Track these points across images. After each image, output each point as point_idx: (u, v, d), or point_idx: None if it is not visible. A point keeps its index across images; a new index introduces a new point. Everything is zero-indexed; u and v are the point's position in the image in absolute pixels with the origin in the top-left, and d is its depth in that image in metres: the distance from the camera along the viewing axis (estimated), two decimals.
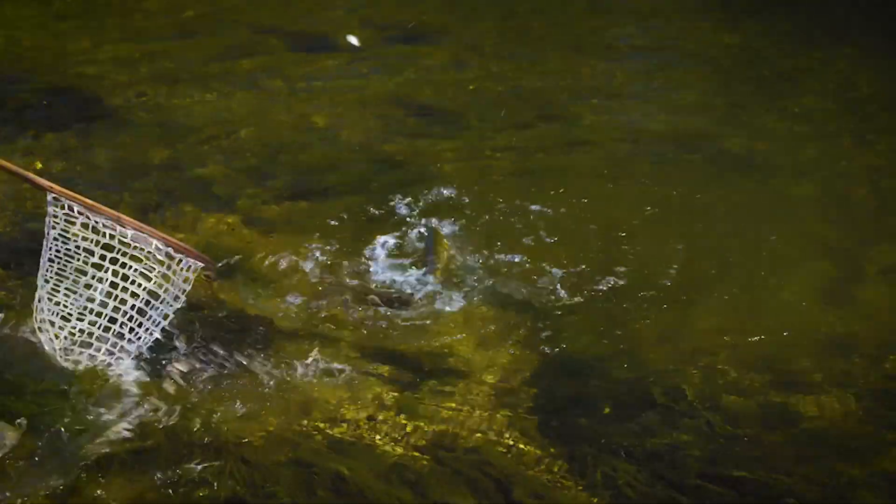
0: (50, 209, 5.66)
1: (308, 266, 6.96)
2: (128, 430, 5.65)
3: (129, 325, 5.85)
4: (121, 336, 5.87)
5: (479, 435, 5.76)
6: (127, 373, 5.94)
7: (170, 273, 5.79)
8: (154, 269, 5.77)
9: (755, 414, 5.91)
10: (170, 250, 5.75)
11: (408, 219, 7.45)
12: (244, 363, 6.11)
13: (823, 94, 9.12)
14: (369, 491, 5.40)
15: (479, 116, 8.85)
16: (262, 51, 9.87)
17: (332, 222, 7.39)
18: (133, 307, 5.83)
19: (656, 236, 7.32)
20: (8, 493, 5.29)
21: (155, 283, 5.80)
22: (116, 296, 5.80)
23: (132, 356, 5.93)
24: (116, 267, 5.75)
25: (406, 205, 7.59)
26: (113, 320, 5.82)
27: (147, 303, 5.83)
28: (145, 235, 5.69)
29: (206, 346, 6.19)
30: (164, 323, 5.91)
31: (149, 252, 5.72)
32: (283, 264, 6.96)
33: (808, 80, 9.36)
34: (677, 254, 7.16)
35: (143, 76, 9.46)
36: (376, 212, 7.52)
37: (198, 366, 6.07)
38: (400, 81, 9.40)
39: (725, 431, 5.78)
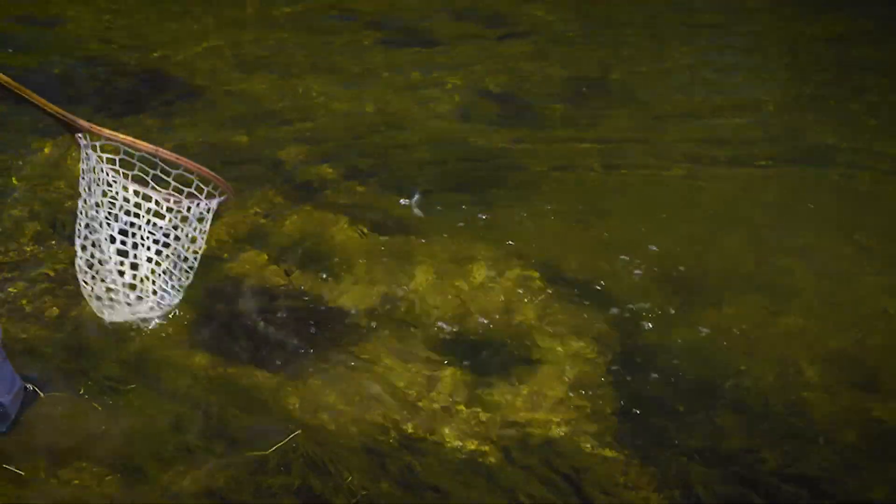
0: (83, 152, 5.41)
1: (385, 259, 6.99)
2: (194, 409, 5.68)
3: (170, 273, 5.64)
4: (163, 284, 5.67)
5: (551, 430, 5.74)
6: (193, 350, 5.97)
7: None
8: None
9: (832, 414, 5.84)
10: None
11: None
12: (318, 349, 6.14)
13: None
14: (440, 483, 5.40)
15: (564, 109, 8.83)
16: (351, 40, 9.91)
17: (418, 212, 7.42)
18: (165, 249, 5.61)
19: (740, 231, 7.27)
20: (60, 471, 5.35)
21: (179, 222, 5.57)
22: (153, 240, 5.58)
23: (173, 305, 5.82)
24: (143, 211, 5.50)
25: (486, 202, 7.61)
26: (151, 269, 5.60)
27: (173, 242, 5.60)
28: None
29: (281, 330, 6.24)
30: (195, 264, 5.70)
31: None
32: (361, 253, 6.99)
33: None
34: (756, 249, 7.10)
35: (230, 62, 9.53)
36: (463, 205, 7.54)
37: (270, 349, 6.11)
38: (486, 74, 9.40)
39: (801, 432, 5.72)
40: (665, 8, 10.94)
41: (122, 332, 6.05)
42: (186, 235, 5.62)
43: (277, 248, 7.02)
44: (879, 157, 8.17)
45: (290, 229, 7.23)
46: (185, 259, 5.68)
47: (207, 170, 5.47)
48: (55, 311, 6.28)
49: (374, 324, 6.40)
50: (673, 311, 6.52)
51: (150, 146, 5.39)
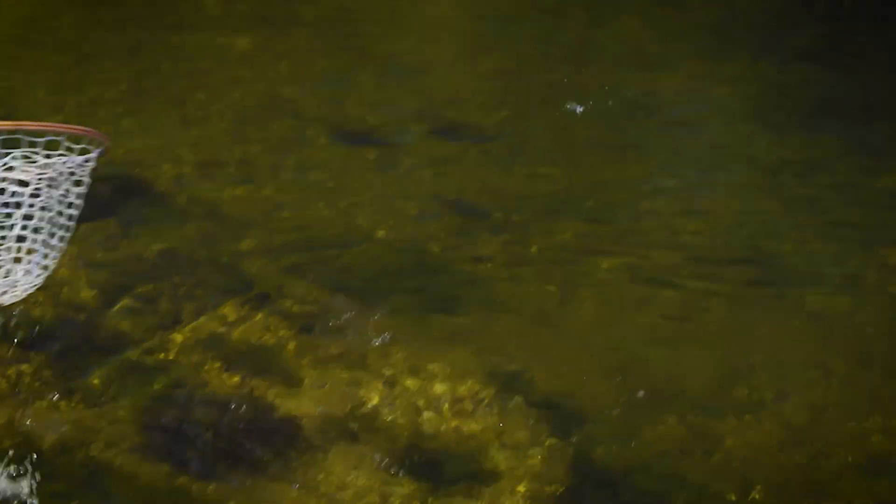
0: None
1: (336, 367, 6.96)
2: None
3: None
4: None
5: None
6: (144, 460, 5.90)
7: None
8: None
9: None
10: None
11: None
12: (270, 461, 6.09)
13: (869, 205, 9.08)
14: None
15: (524, 217, 8.84)
16: (307, 142, 9.91)
17: (372, 326, 7.40)
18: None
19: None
20: None
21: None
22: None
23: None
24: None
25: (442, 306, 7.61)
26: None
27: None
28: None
29: (233, 441, 6.19)
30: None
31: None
32: (316, 362, 6.96)
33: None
34: (720, 367, 7.12)
35: (188, 162, 9.52)
36: (417, 312, 7.53)
37: (221, 460, 6.06)
38: (445, 178, 9.40)
39: None
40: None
41: (71, 442, 5.99)
42: (60, 199, 5.44)
43: (232, 355, 6.98)
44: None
45: (244, 336, 7.20)
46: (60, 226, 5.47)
47: (76, 126, 5.29)
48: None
49: (326, 435, 6.36)
50: (630, 427, 6.52)
51: (9, 123, 5.12)
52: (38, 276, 5.51)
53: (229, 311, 7.45)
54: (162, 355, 6.34)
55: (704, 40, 11.66)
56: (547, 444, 6.39)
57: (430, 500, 5.97)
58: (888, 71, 11.05)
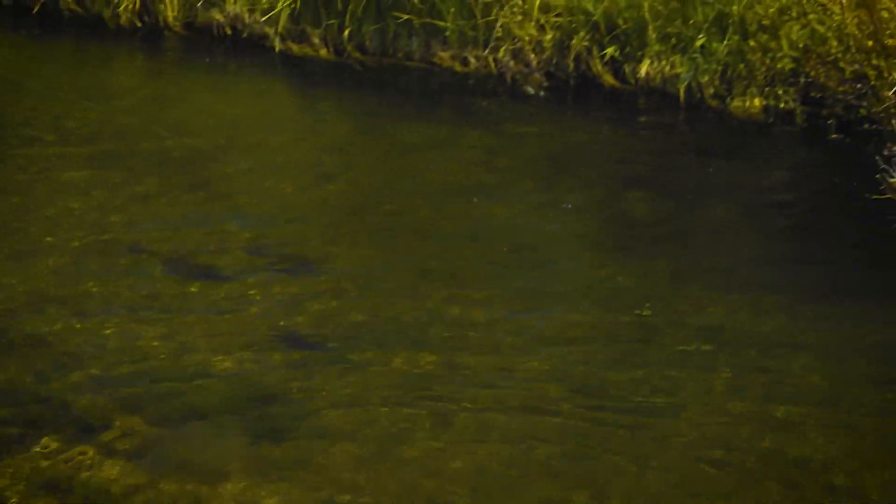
0: None
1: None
2: None
3: None
4: None
5: None
6: None
7: None
8: None
9: None
10: None
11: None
12: None
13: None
14: None
15: (360, 350, 8.84)
16: (142, 274, 9.84)
17: (208, 459, 7.32)
18: None
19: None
20: None
21: None
22: None
23: None
24: None
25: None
26: None
27: None
28: None
29: None
30: None
31: None
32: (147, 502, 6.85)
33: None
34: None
35: (19, 296, 9.39)
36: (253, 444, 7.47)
37: None
38: (281, 310, 9.38)
39: None
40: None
41: None
42: None
43: (60, 490, 6.85)
44: None
45: (71, 472, 7.07)
46: None
47: None
48: None
49: None
50: None
51: None
52: None
53: (55, 444, 7.33)
54: None
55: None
56: None
57: None
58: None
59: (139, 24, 14.52)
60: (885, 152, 10.61)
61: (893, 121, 10.54)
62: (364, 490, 7.11)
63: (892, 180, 9.92)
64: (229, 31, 14.38)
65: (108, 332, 8.94)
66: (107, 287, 9.60)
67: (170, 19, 14.45)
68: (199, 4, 14.46)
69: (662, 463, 7.58)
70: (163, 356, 8.66)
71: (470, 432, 7.89)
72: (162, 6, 14.46)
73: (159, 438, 7.54)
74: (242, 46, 14.26)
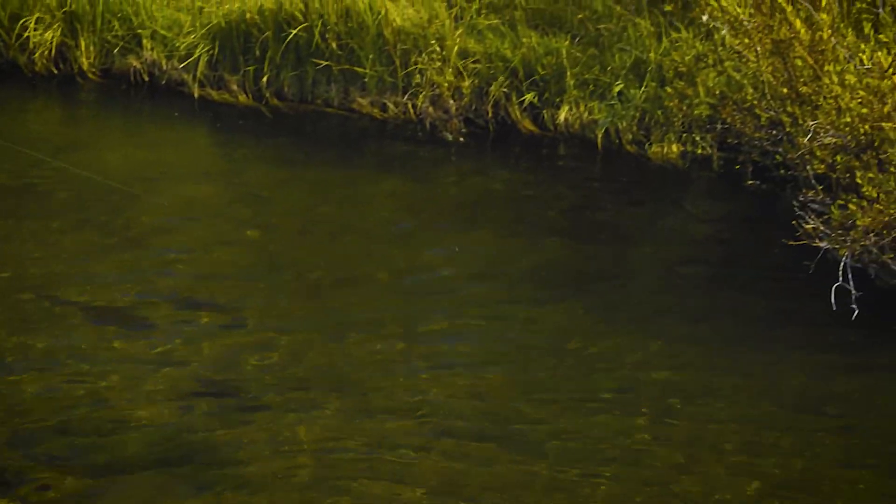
0: None
1: None
2: None
3: None
4: None
5: None
6: None
7: None
8: None
9: None
10: None
11: None
12: None
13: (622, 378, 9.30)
14: None
15: (282, 398, 8.80)
16: (60, 325, 9.73)
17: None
18: None
19: None
20: None
21: None
22: None
23: None
24: None
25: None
26: None
27: None
28: None
29: None
30: None
31: None
32: None
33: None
34: None
35: None
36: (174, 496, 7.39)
37: None
38: (201, 362, 9.31)
39: None
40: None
41: None
42: None
43: None
44: None
45: None
46: None
47: None
48: None
49: None
50: None
51: None
52: None
53: None
54: None
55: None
56: None
57: None
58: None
59: (55, 71, 14.35)
60: (801, 198, 10.74)
61: (808, 167, 10.64)
62: None
63: (808, 226, 10.02)
64: (147, 78, 14.28)
65: (26, 385, 8.82)
66: (24, 339, 9.49)
67: (85, 66, 14.32)
68: (115, 51, 14.35)
69: None
70: (82, 408, 8.57)
71: (393, 477, 7.88)
72: (78, 53, 14.32)
73: (78, 492, 7.46)
74: (160, 93, 14.17)
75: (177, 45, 14.15)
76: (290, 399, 8.80)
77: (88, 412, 8.52)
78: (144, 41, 14.22)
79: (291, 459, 8.04)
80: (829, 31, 10.49)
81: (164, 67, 14.23)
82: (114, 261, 10.82)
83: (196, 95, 14.09)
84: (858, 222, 9.72)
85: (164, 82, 14.28)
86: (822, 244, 10.07)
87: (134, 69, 14.29)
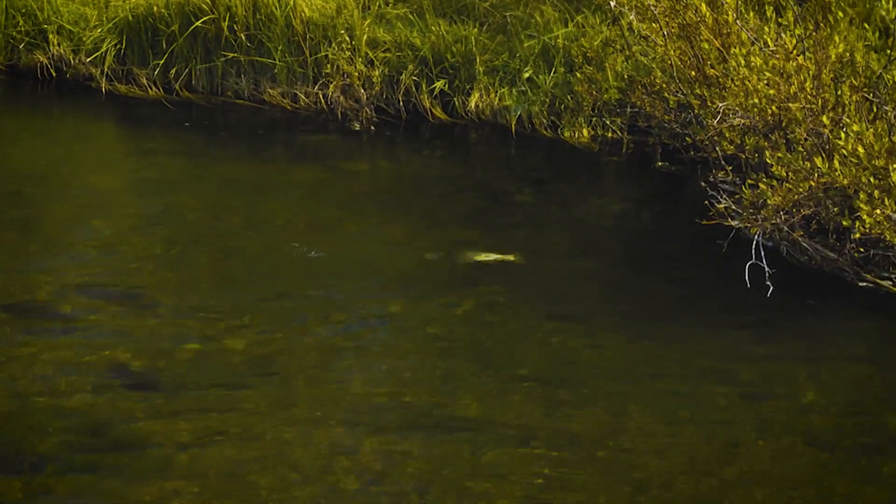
0: None
1: None
2: None
3: None
4: None
5: None
6: None
7: None
8: None
9: None
10: None
11: None
12: None
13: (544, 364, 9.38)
14: None
15: (198, 387, 8.77)
16: None
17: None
18: None
19: None
20: None
21: None
22: None
23: None
24: None
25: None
26: None
27: None
28: None
29: None
30: None
31: None
32: None
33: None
34: None
35: None
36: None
37: None
38: (117, 352, 9.26)
39: None
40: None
41: None
42: None
43: None
44: None
45: None
46: None
47: None
48: None
49: None
50: None
51: None
52: None
53: None
54: None
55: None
56: None
57: None
58: None
59: None
60: (711, 179, 10.90)
61: (718, 148, 10.79)
62: None
63: (719, 206, 10.17)
64: (54, 73, 14.17)
65: None
66: None
67: None
68: (21, 46, 14.22)
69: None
70: (2, 404, 8.49)
71: (316, 466, 7.89)
72: None
73: (1, 491, 7.40)
74: (68, 88, 14.07)
75: (83, 39, 14.06)
76: (208, 387, 8.78)
77: (4, 406, 8.45)
78: (51, 36, 14.11)
79: (211, 449, 8.02)
80: (734, 14, 10.64)
81: (72, 62, 14.12)
82: (22, 254, 10.74)
83: (104, 90, 14.00)
84: (769, 201, 9.87)
85: (71, 77, 14.18)
86: (734, 223, 10.23)
87: (41, 64, 14.17)
